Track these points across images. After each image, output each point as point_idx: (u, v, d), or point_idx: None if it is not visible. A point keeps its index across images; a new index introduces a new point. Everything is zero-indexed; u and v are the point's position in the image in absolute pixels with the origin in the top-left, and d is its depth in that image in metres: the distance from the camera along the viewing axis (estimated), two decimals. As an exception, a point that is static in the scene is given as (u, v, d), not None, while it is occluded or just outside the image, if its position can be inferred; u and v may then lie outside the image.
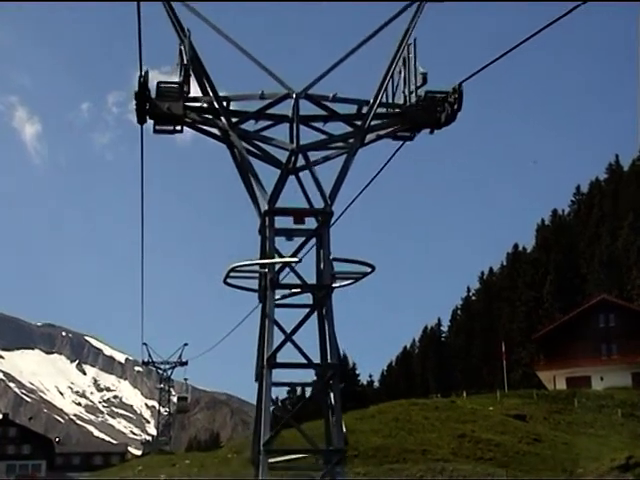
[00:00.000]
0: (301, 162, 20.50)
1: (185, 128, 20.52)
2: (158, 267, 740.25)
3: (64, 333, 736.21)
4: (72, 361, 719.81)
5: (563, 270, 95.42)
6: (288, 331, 19.41)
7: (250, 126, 20.83)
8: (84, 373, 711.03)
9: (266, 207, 19.76)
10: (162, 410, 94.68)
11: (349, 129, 20.90)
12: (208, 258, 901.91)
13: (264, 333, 19.55)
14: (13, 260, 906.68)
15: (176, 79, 20.50)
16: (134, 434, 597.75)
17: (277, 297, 19.48)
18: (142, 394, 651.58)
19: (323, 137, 20.94)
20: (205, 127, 20.78)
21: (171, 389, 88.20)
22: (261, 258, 19.98)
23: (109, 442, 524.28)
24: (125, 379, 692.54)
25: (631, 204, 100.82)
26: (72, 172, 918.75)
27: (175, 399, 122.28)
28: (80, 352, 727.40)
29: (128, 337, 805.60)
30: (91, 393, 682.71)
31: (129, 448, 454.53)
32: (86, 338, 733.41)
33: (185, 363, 79.22)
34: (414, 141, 21.41)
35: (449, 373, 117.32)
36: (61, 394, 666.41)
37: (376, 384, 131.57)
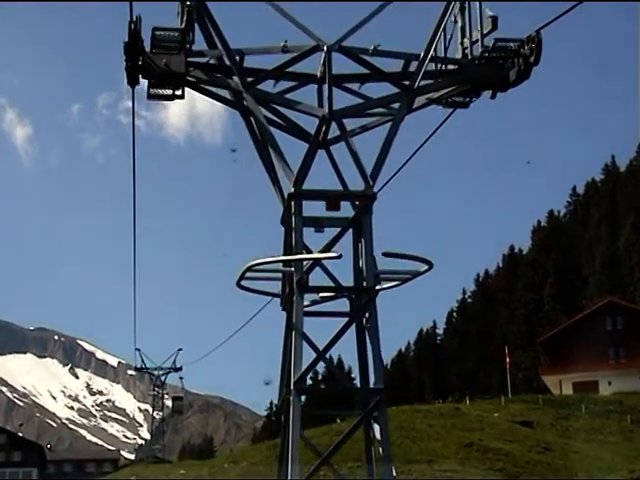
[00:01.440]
0: (334, 132, 17.01)
1: (188, 91, 16.84)
2: (151, 270, 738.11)
3: (56, 337, 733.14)
4: (64, 365, 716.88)
5: (563, 272, 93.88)
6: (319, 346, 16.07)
7: (269, 87, 17.19)
8: (77, 377, 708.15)
9: (291, 189, 16.26)
10: (156, 414, 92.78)
11: (393, 91, 17.18)
12: (204, 259, 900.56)
13: (289, 349, 16.36)
14: (5, 264, 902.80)
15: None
16: (127, 438, 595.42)
17: (305, 303, 16.28)
18: (135, 397, 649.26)
19: (360, 101, 17.25)
20: (213, 89, 17.16)
21: (165, 395, 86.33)
22: (285, 254, 16.57)
23: (102, 446, 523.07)
24: (118, 383, 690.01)
25: (630, 204, 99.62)
26: (63, 175, 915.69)
27: (169, 402, 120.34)
28: (72, 356, 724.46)
29: (121, 340, 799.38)
30: (84, 397, 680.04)
31: (122, 452, 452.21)
32: (78, 342, 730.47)
33: (179, 369, 77.28)
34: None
35: (445, 376, 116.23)
36: (54, 398, 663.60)
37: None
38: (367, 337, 16.36)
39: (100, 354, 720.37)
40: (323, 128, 16.67)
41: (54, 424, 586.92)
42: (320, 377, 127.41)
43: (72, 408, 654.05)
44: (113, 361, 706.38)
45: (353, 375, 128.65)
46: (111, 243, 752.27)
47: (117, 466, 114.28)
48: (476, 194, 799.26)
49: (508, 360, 70.48)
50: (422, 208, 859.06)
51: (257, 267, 16.32)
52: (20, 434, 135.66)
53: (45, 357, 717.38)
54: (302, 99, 17.13)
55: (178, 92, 16.70)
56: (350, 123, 17.14)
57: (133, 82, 16.41)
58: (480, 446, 40.25)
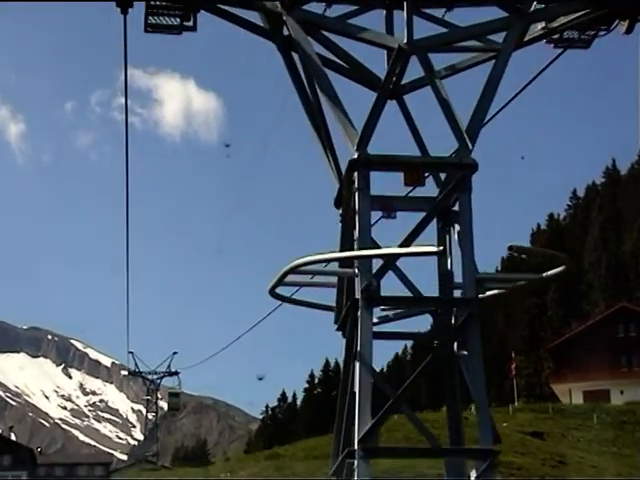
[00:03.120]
0: (411, 75, 12.48)
1: (198, 33, 11.94)
2: (146, 270, 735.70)
3: (50, 336, 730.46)
4: (58, 365, 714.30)
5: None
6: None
7: (318, 10, 12.42)
8: (70, 377, 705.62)
9: (354, 154, 11.72)
10: (150, 415, 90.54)
11: (487, 18, 12.49)
12: (200, 259, 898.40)
13: (349, 389, 12.27)
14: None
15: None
16: (120, 439, 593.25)
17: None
18: (128, 398, 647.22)
19: (446, 31, 12.53)
20: (239, 11, 12.30)
21: (159, 398, 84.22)
22: (343, 249, 12.14)
23: (95, 447, 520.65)
24: (111, 383, 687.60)
25: (634, 208, 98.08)
26: (57, 172, 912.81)
27: (163, 404, 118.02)
28: (66, 356, 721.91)
29: (114, 341, 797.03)
30: (77, 397, 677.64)
31: (115, 453, 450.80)
32: (72, 341, 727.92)
33: (174, 373, 74.76)
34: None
35: (441, 380, 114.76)
36: (46, 398, 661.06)
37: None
38: (465, 370, 12.39)
39: (93, 354, 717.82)
40: (398, 69, 12.00)
41: (47, 424, 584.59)
42: (317, 381, 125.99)
43: (65, 408, 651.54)
44: (106, 361, 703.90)
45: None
46: (105, 242, 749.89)
47: (109, 469, 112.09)
48: (474, 195, 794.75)
49: (514, 366, 68.31)
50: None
51: (303, 268, 11.85)
52: (13, 434, 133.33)
53: (38, 356, 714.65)
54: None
55: (188, 22, 11.94)
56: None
57: (125, 4, 11.57)
58: (491, 459, 38.17)
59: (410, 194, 12.09)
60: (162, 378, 74.15)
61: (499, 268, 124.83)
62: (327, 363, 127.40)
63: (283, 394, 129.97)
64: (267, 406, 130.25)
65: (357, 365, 11.96)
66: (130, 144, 16.30)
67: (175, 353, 75.20)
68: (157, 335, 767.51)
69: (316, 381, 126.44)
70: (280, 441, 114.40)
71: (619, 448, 47.16)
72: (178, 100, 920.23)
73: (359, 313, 11.73)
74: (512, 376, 68.34)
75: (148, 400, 75.09)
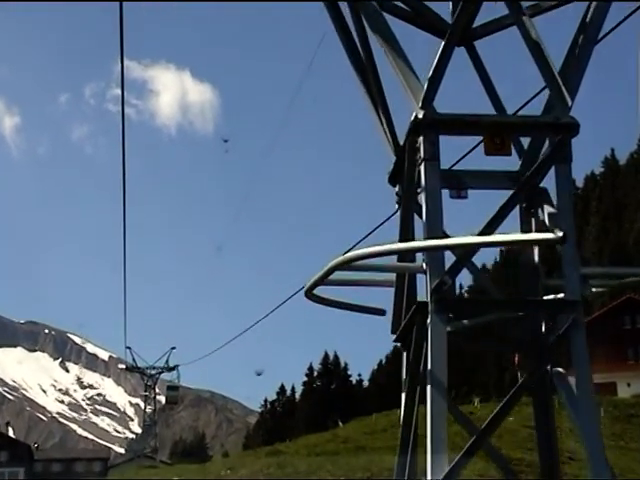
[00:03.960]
0: (485, 17, 10.34)
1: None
2: (144, 264, 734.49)
3: (47, 330, 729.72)
4: (55, 359, 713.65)
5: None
6: None
7: None
8: (67, 371, 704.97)
9: (419, 113, 9.40)
10: (148, 409, 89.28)
11: None
12: (197, 253, 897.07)
13: (414, 417, 10.27)
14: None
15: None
16: (118, 432, 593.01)
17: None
18: (126, 392, 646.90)
19: None
20: None
21: (157, 393, 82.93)
22: (404, 236, 9.99)
23: (92, 440, 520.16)
24: (109, 377, 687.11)
25: (633, 198, 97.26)
26: (52, 165, 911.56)
27: (161, 398, 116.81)
28: (63, 349, 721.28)
29: (112, 334, 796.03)
30: (74, 391, 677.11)
31: (113, 446, 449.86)
32: (69, 335, 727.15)
33: (173, 368, 73.12)
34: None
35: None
36: (44, 392, 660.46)
37: (365, 383, 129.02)
38: (564, 392, 9.99)
39: (91, 348, 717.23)
40: (469, 9, 9.82)
41: (44, 418, 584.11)
42: (316, 374, 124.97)
43: (62, 402, 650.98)
44: (104, 355, 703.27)
45: (349, 372, 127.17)
46: (103, 235, 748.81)
47: (107, 465, 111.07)
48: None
49: (517, 359, 67.00)
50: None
51: (355, 263, 9.47)
52: (10, 429, 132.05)
53: (35, 351, 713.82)
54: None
55: None
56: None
57: None
58: (500, 455, 37.04)
59: (490, 167, 9.90)
60: (160, 373, 72.68)
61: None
62: (326, 356, 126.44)
63: (282, 388, 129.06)
64: (266, 400, 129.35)
65: (428, 388, 9.95)
66: (126, 135, 14.96)
67: (173, 348, 73.88)
68: (155, 329, 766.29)
69: (315, 374, 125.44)
70: (279, 435, 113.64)
71: (627, 442, 46.19)
72: (173, 91, 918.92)
73: (429, 320, 9.46)
74: (516, 368, 67.06)
75: (146, 397, 73.70)
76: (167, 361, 71.28)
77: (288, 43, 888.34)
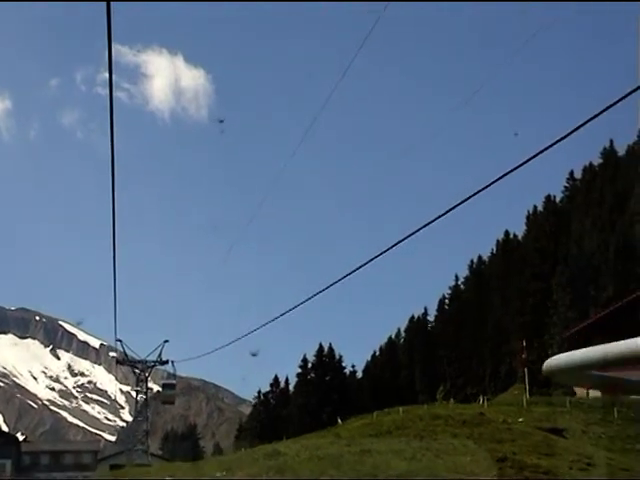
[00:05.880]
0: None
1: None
2: (136, 251, 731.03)
3: (38, 317, 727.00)
4: (46, 346, 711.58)
5: (572, 260, 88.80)
6: None
7: None
8: (58, 358, 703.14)
9: None
10: (139, 402, 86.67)
11: None
12: (191, 240, 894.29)
13: None
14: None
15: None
16: (108, 420, 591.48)
17: None
18: (117, 379, 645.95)
19: None
20: None
21: (149, 383, 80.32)
22: None
23: (83, 428, 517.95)
24: (99, 364, 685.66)
25: (633, 190, 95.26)
26: (44, 149, 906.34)
27: (154, 387, 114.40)
28: (54, 337, 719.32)
29: (104, 322, 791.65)
30: (65, 378, 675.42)
31: (103, 434, 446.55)
32: (60, 323, 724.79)
33: (165, 362, 70.61)
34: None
35: (436, 364, 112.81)
36: (35, 379, 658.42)
37: (359, 374, 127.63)
38: None
39: (82, 335, 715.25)
40: None
41: (35, 405, 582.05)
42: (310, 365, 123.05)
43: (53, 389, 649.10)
44: (95, 343, 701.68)
45: (344, 364, 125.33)
46: (96, 221, 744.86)
47: (96, 458, 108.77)
48: (466, 180, 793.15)
49: (525, 355, 64.61)
50: (415, 193, 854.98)
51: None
52: (0, 418, 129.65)
53: (26, 338, 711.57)
54: None
55: None
56: None
57: None
58: (514, 461, 34.60)
59: None
60: (153, 367, 70.21)
61: (494, 251, 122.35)
62: (321, 348, 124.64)
63: (276, 379, 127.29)
64: (259, 391, 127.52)
65: None
66: (117, 120, 12.83)
67: (166, 341, 71.15)
68: (147, 319, 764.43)
69: (309, 366, 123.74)
70: (273, 427, 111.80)
71: (642, 445, 44.05)
72: (166, 76, 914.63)
73: None
74: (523, 364, 64.68)
75: (137, 391, 71.39)
76: (160, 354, 68.84)
77: (283, 28, 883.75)
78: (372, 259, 13.89)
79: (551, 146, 10.31)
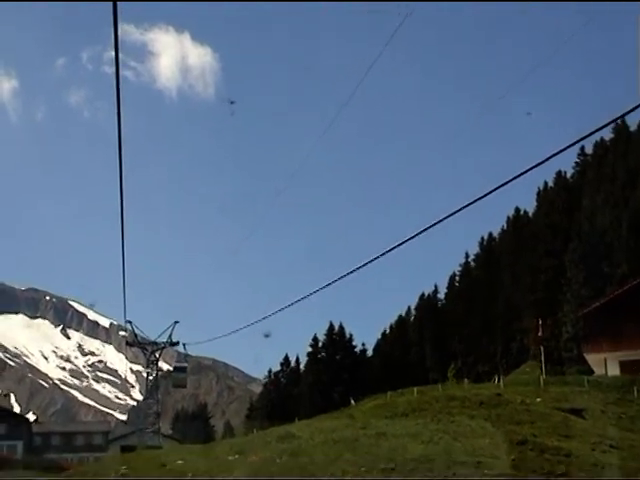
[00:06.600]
0: None
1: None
2: (145, 230, 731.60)
3: (48, 297, 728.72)
4: (56, 325, 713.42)
5: (586, 236, 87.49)
6: None
7: None
8: (68, 337, 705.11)
9: None
10: (150, 376, 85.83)
11: None
12: (200, 219, 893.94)
13: None
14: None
15: None
16: (119, 399, 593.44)
17: None
18: (127, 358, 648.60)
19: None
20: None
21: (159, 362, 79.40)
22: None
23: (94, 407, 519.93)
24: (110, 343, 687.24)
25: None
26: (50, 130, 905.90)
27: (165, 366, 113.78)
28: (64, 317, 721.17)
29: (113, 303, 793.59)
30: (75, 357, 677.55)
31: (114, 413, 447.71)
32: (70, 302, 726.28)
33: (176, 343, 69.54)
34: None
35: (446, 342, 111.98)
36: (45, 359, 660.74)
37: (369, 353, 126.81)
38: None
39: (92, 315, 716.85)
40: None
41: (46, 385, 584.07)
42: (320, 344, 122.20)
43: (64, 369, 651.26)
44: (105, 322, 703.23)
45: (355, 343, 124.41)
46: (104, 201, 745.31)
47: (107, 438, 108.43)
48: (475, 154, 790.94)
49: (540, 333, 63.42)
50: (424, 171, 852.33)
51: None
52: (13, 396, 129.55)
53: (37, 318, 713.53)
54: None
55: None
56: None
57: None
58: (535, 444, 33.69)
59: None
60: (163, 349, 69.18)
61: (504, 227, 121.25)
62: (331, 327, 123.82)
63: (286, 358, 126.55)
64: (270, 371, 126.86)
65: None
66: (124, 99, 11.82)
67: (177, 322, 69.89)
68: (158, 299, 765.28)
69: (320, 345, 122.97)
70: (284, 407, 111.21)
71: (664, 425, 43.12)
72: (173, 54, 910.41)
73: None
74: (539, 342, 63.56)
75: (148, 373, 70.53)
76: (170, 335, 67.68)
77: (290, 4, 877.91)
78: (387, 251, 13.07)
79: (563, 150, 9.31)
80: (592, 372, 60.45)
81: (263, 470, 34.37)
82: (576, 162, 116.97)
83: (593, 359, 62.31)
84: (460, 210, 12.11)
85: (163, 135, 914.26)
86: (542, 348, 61.93)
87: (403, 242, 12.12)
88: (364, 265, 16.51)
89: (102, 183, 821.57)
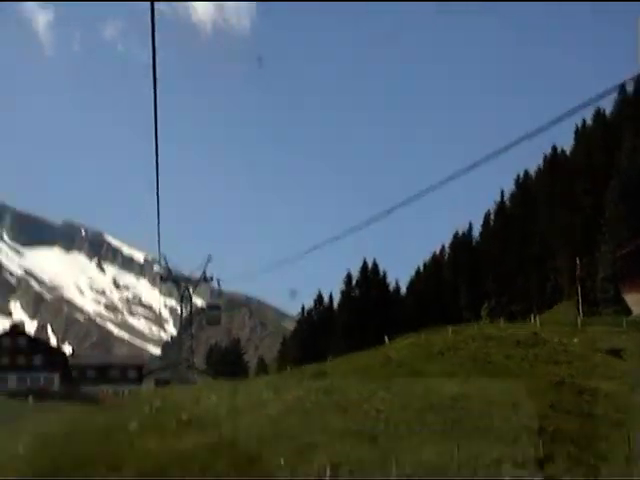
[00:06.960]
0: None
1: None
2: (180, 166, 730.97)
3: (83, 231, 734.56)
4: (91, 259, 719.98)
5: (626, 174, 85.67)
6: None
7: None
8: (103, 271, 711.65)
9: None
10: (184, 313, 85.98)
11: None
12: (231, 158, 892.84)
13: None
14: (33, 158, 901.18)
15: None
16: (153, 333, 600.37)
17: None
18: (161, 292, 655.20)
19: None
20: None
21: (193, 298, 79.31)
22: None
23: (128, 341, 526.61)
24: (144, 277, 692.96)
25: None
26: (85, 63, 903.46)
27: (199, 301, 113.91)
28: (99, 250, 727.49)
29: (148, 236, 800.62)
30: (110, 291, 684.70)
31: (148, 346, 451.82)
32: (105, 236, 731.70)
33: (210, 279, 69.55)
34: None
35: (481, 280, 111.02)
36: (81, 292, 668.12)
37: (403, 290, 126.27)
38: None
39: (127, 249, 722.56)
40: None
41: (81, 319, 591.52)
42: (355, 282, 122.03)
43: (99, 303, 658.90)
44: (139, 256, 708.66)
45: (389, 281, 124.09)
46: (140, 136, 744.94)
47: (141, 373, 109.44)
48: (513, 93, 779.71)
49: (579, 272, 62.47)
50: (457, 112, 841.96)
51: None
52: (49, 327, 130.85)
53: (72, 251, 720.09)
54: None
55: None
56: None
57: None
58: (573, 385, 33.19)
59: None
60: (197, 285, 69.22)
61: (541, 166, 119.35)
62: (365, 264, 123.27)
63: (319, 296, 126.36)
64: (303, 308, 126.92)
65: None
66: (159, 32, 10.96)
67: (210, 257, 69.74)
68: (192, 233, 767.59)
69: (354, 283, 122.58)
70: (316, 345, 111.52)
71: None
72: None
73: None
74: (578, 281, 62.58)
75: (181, 308, 70.78)
76: (204, 270, 67.64)
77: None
78: (420, 193, 12.47)
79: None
80: (629, 313, 59.50)
81: (297, 408, 34.18)
82: (615, 100, 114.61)
83: (632, 299, 61.29)
84: (499, 152, 11.51)
85: (198, 67, 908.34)
86: (579, 287, 60.92)
87: (438, 185, 11.54)
88: (398, 206, 15.89)
89: (134, 116, 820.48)
